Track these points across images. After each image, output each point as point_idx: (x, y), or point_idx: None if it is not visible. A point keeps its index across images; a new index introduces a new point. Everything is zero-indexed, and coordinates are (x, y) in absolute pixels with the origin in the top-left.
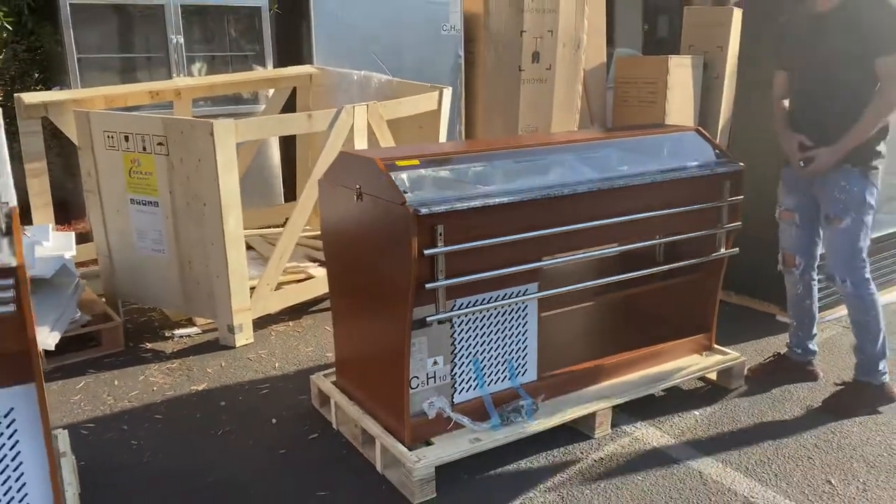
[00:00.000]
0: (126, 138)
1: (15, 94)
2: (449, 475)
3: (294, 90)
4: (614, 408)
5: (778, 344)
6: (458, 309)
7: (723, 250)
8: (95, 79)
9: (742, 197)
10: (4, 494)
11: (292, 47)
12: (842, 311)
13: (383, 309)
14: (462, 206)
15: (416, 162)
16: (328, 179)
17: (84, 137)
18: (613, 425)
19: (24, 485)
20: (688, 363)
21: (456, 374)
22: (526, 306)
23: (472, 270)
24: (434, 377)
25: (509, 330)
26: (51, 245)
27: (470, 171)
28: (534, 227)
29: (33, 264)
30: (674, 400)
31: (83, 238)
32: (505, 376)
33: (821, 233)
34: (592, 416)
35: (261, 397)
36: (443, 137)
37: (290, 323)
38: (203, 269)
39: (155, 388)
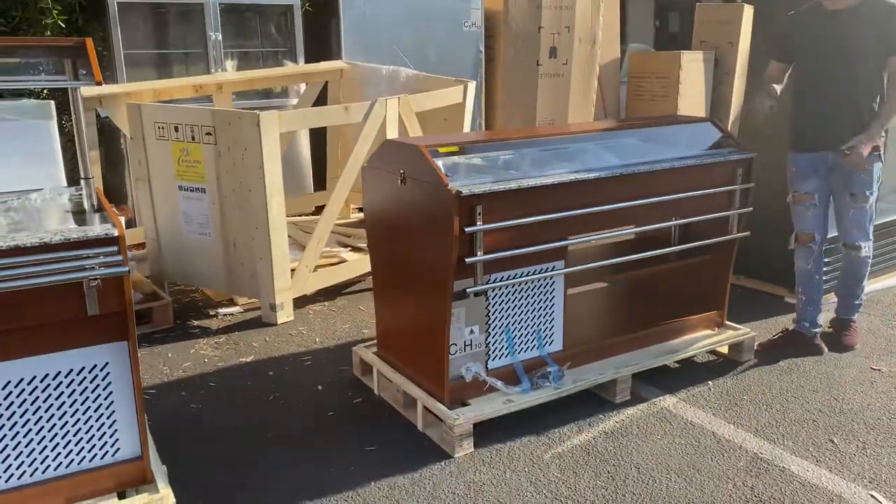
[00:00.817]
0: (176, 129)
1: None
2: (484, 433)
3: (326, 84)
4: (636, 376)
5: (786, 322)
6: (496, 282)
7: (735, 232)
8: (139, 74)
9: (753, 184)
10: (99, 439)
11: (322, 43)
12: None
13: (426, 282)
14: (499, 188)
15: (455, 149)
16: (372, 166)
17: (136, 128)
18: (632, 393)
19: (116, 430)
20: (701, 337)
21: (490, 342)
22: (553, 282)
23: (505, 248)
24: (470, 345)
25: (538, 303)
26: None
27: (502, 158)
28: (561, 209)
29: None
30: (688, 372)
31: (127, 224)
32: (534, 346)
33: (833, 212)
34: (613, 382)
35: (305, 368)
36: (467, 129)
37: (326, 303)
38: (247, 251)
39: (206, 360)
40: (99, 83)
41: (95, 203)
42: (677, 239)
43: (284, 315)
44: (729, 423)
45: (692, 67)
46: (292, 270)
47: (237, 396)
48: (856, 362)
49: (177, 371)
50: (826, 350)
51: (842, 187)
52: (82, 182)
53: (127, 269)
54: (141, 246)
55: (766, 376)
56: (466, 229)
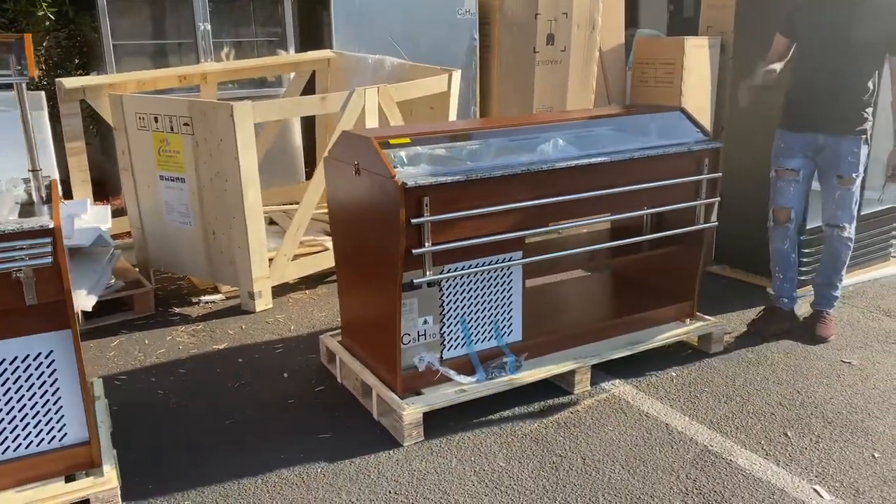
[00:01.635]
0: (156, 119)
1: (57, 79)
2: (438, 423)
3: (314, 73)
4: (597, 367)
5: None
6: (448, 273)
7: (702, 223)
8: (129, 64)
9: (720, 174)
10: (46, 424)
11: (315, 33)
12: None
13: (379, 273)
14: (446, 180)
15: (407, 140)
16: (332, 157)
17: (118, 119)
18: (594, 383)
19: (62, 416)
20: (669, 328)
21: (445, 332)
22: (511, 272)
23: (458, 239)
24: (424, 335)
25: (495, 294)
26: (88, 218)
27: (459, 149)
28: (515, 200)
29: (72, 234)
30: (654, 362)
31: (119, 213)
32: (492, 336)
33: (810, 192)
34: (572, 373)
35: (276, 355)
36: (453, 117)
37: (307, 291)
38: (226, 239)
39: (181, 347)
40: (32, 78)
41: (44, 195)
42: (648, 230)
43: (263, 303)
44: (684, 415)
45: (697, 53)
46: (271, 259)
47: (204, 383)
48: (827, 354)
49: (150, 357)
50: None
51: (829, 168)
52: (30, 174)
53: (49, 260)
54: (129, 234)
55: (732, 368)
56: (412, 220)
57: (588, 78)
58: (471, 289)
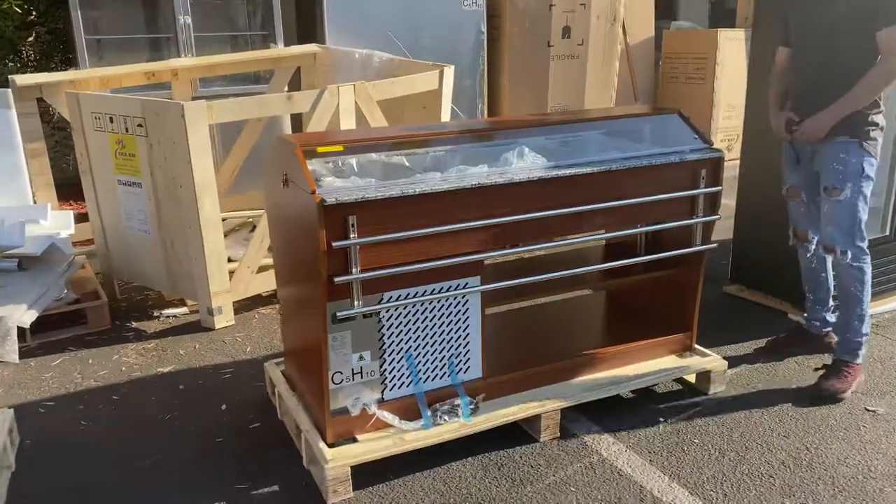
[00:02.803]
0: (111, 119)
1: (10, 76)
2: (376, 473)
3: (299, 70)
4: (573, 410)
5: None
6: (388, 302)
7: (698, 244)
8: (111, 60)
9: (721, 188)
10: None
11: (307, 26)
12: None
13: (306, 301)
14: (377, 196)
15: (339, 148)
16: (269, 165)
17: (75, 119)
18: (565, 429)
19: None
20: (661, 365)
21: (386, 369)
22: (467, 300)
23: (397, 264)
24: (360, 373)
25: (448, 325)
26: (49, 224)
27: (403, 158)
28: (467, 219)
29: (22, 242)
30: (643, 404)
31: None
32: (445, 373)
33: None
34: (537, 418)
35: (220, 382)
36: (445, 117)
37: (277, 306)
38: (183, 250)
39: (124, 369)
40: None
41: None
42: (640, 249)
43: (223, 319)
44: (664, 475)
45: (732, 46)
46: (232, 272)
47: (134, 414)
48: (849, 400)
49: (88, 380)
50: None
51: (819, 179)
52: None
53: None
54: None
55: (732, 414)
56: (334, 244)
57: (609, 74)
58: (417, 319)
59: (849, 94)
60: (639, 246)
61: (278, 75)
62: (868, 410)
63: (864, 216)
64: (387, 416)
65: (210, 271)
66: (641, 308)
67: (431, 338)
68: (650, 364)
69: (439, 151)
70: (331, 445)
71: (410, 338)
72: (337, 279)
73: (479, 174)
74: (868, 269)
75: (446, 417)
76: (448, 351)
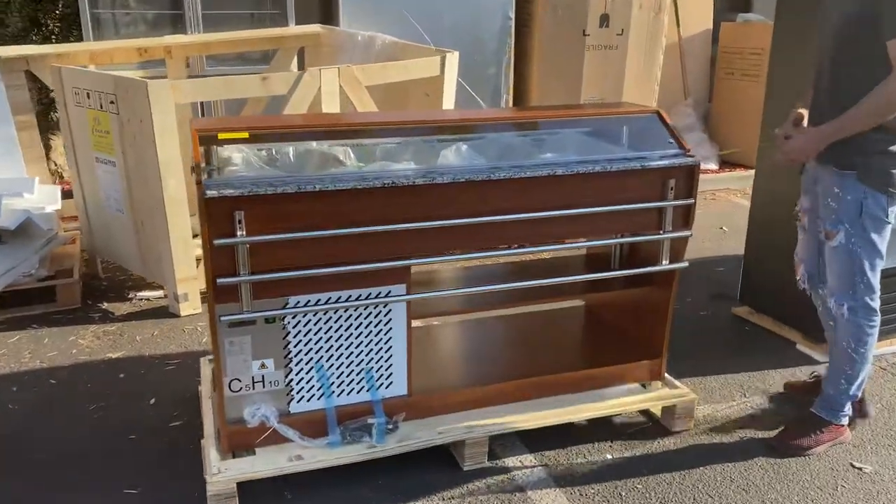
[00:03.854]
0: (88, 95)
1: None
2: (275, 491)
3: (303, 51)
4: (514, 436)
5: (788, 377)
6: (293, 308)
7: (665, 262)
8: (115, 36)
9: (693, 200)
10: None
11: (324, 7)
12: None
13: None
14: (266, 191)
15: (243, 135)
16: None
17: (59, 93)
18: (495, 457)
19: None
20: (618, 394)
21: (293, 380)
22: (389, 310)
23: (301, 266)
24: (262, 381)
25: (367, 336)
26: (34, 198)
27: (318, 150)
28: (378, 221)
29: None
30: (595, 433)
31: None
32: (363, 388)
33: None
34: (462, 444)
35: (162, 373)
36: (449, 105)
37: None
38: (153, 232)
39: (74, 352)
40: None
41: None
42: (614, 262)
43: (189, 307)
44: None
45: None
46: (200, 259)
47: (64, 401)
48: (834, 452)
49: (35, 361)
50: (872, 414)
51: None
52: None
53: None
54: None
55: (691, 457)
56: (216, 241)
57: (651, 67)
58: (330, 328)
59: (849, 111)
60: (613, 259)
61: (280, 56)
62: (854, 467)
63: (871, 268)
64: (287, 430)
65: (175, 256)
66: (605, 328)
67: (347, 349)
68: (608, 392)
69: (376, 144)
70: (223, 457)
71: (322, 347)
72: (220, 280)
73: (396, 172)
74: (872, 329)
75: (356, 437)
76: (367, 364)
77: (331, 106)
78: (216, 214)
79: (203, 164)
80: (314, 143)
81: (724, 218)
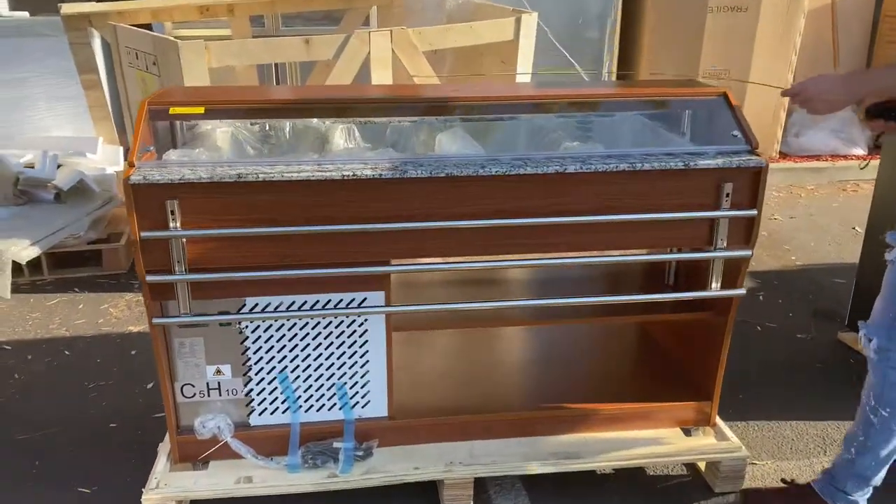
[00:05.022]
0: (136, 55)
1: (59, 4)
2: None
3: (377, 11)
4: (523, 476)
5: None
6: (252, 311)
7: (715, 286)
8: None
9: (755, 211)
10: None
11: None
12: None
13: None
14: (201, 179)
15: (198, 110)
16: None
17: (115, 52)
18: (493, 500)
19: None
20: (653, 439)
21: (253, 389)
22: (365, 319)
23: (253, 266)
24: (219, 389)
25: (339, 347)
26: (97, 158)
27: (315, 129)
28: (343, 218)
29: (53, 175)
30: (617, 485)
31: None
32: (335, 405)
33: None
34: (441, 483)
35: None
36: (524, 73)
37: None
38: None
39: (101, 321)
40: None
41: None
42: (667, 278)
43: None
44: None
45: None
46: None
47: (68, 375)
48: None
49: (61, 328)
50: None
51: None
52: None
53: None
54: None
55: None
56: (142, 234)
57: (789, 33)
58: (295, 335)
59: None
60: (668, 273)
61: (350, 17)
62: None
63: None
64: (240, 447)
65: None
66: (646, 352)
67: (316, 360)
68: (640, 436)
69: (387, 123)
70: (171, 468)
71: (286, 356)
72: (150, 278)
73: (372, 160)
74: None
75: (319, 461)
76: (340, 379)
77: (382, 74)
78: (144, 203)
79: (139, 144)
80: (314, 120)
81: (861, 216)
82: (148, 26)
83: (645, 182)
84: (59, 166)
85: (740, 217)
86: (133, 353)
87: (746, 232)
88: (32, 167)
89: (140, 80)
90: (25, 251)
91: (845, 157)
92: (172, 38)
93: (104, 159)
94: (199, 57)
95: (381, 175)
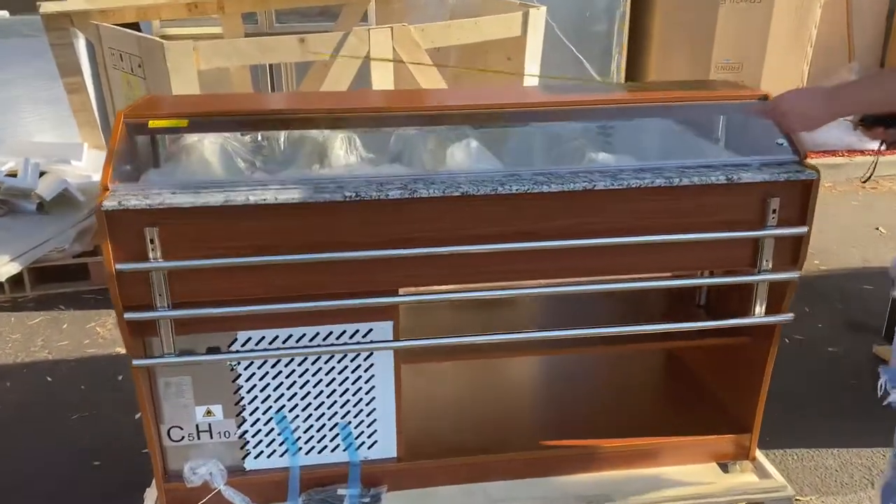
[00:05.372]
0: (121, 56)
1: (38, 2)
2: None
3: (375, 7)
4: None
5: None
6: (244, 346)
7: (759, 312)
8: None
9: (806, 229)
10: None
11: None
12: None
13: None
14: (183, 204)
15: (181, 123)
16: None
17: (100, 53)
18: None
19: None
20: (687, 477)
21: (248, 431)
22: (370, 352)
23: (243, 298)
24: (210, 431)
25: (342, 383)
26: (83, 165)
27: (312, 139)
28: (348, 244)
29: (35, 185)
30: None
31: None
32: (338, 447)
33: None
34: None
35: None
36: (531, 70)
37: None
38: None
39: (88, 341)
40: None
41: None
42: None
43: None
44: None
45: None
46: None
47: (46, 405)
48: None
49: (43, 351)
50: None
51: None
52: None
53: None
54: None
55: None
56: (118, 266)
57: (805, 25)
58: (293, 371)
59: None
60: (699, 294)
61: (347, 13)
62: None
63: None
64: (234, 495)
65: None
66: (679, 381)
67: (317, 397)
68: (673, 473)
69: (390, 132)
70: None
71: (283, 393)
72: (128, 316)
73: (377, 178)
74: None
75: None
76: (343, 418)
77: (382, 74)
78: (120, 232)
79: (115, 163)
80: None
81: (882, 215)
82: (135, 25)
83: (683, 199)
84: (42, 174)
85: (788, 235)
86: (120, 378)
87: (794, 252)
88: (15, 175)
89: (126, 84)
90: (6, 267)
91: (862, 152)
92: (158, 39)
93: (90, 166)
94: (186, 59)
95: (388, 195)
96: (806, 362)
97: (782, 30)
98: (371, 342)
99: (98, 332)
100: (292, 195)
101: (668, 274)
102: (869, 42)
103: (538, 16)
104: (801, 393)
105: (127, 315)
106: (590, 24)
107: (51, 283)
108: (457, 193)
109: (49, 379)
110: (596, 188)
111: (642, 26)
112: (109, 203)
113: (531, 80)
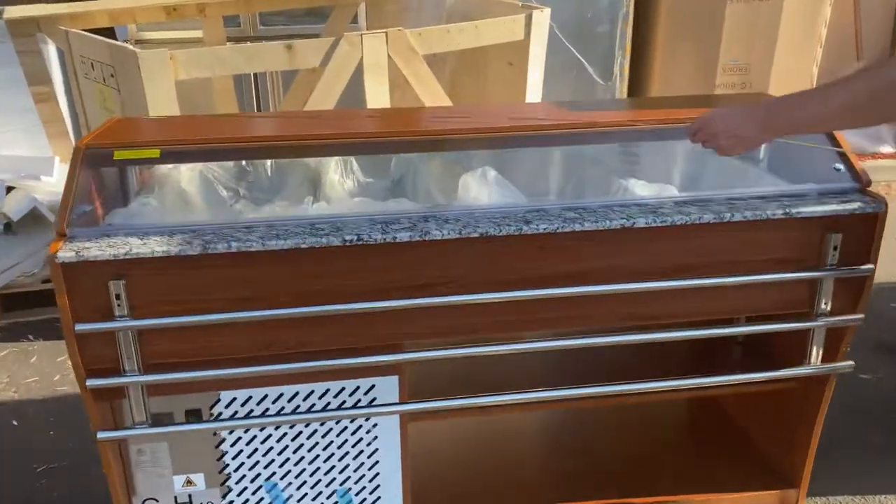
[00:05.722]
0: (93, 65)
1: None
2: None
3: (365, 9)
4: None
5: None
6: (228, 407)
7: (815, 360)
8: None
9: (872, 267)
10: None
11: None
12: None
13: None
14: (157, 253)
15: (153, 153)
16: None
17: (69, 62)
18: None
19: None
20: None
21: (234, 501)
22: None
23: (235, 357)
24: (190, 503)
25: (340, 447)
26: (54, 181)
27: (303, 167)
28: (346, 294)
29: (1, 203)
30: None
31: None
32: None
33: None
34: None
35: None
36: (535, 78)
37: None
38: None
39: (58, 378)
40: None
41: None
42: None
43: None
44: None
45: None
46: None
47: (9, 454)
48: None
49: (9, 390)
50: None
51: None
52: None
53: None
54: None
55: None
56: (77, 327)
57: (815, 24)
58: (284, 434)
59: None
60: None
61: (337, 16)
62: None
63: None
64: None
65: None
66: (718, 431)
67: (312, 462)
68: None
69: (389, 156)
70: None
71: (273, 459)
72: (91, 382)
73: (381, 216)
74: None
75: None
76: (343, 484)
77: (376, 83)
78: (80, 286)
79: (73, 203)
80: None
81: None
82: (110, 31)
83: (733, 236)
84: (9, 191)
85: (851, 277)
86: None
87: (856, 293)
88: None
89: (98, 94)
90: None
91: (872, 156)
92: (131, 48)
93: (61, 182)
94: (163, 68)
95: (395, 238)
96: (838, 391)
97: (790, 30)
98: (373, 405)
99: (69, 367)
100: (282, 242)
101: (725, 323)
102: (879, 39)
103: (542, 18)
104: (837, 427)
105: (90, 382)
106: (591, 24)
107: (19, 311)
108: (475, 234)
109: (14, 423)
110: (636, 226)
111: (646, 27)
112: (65, 254)
113: (534, 88)
